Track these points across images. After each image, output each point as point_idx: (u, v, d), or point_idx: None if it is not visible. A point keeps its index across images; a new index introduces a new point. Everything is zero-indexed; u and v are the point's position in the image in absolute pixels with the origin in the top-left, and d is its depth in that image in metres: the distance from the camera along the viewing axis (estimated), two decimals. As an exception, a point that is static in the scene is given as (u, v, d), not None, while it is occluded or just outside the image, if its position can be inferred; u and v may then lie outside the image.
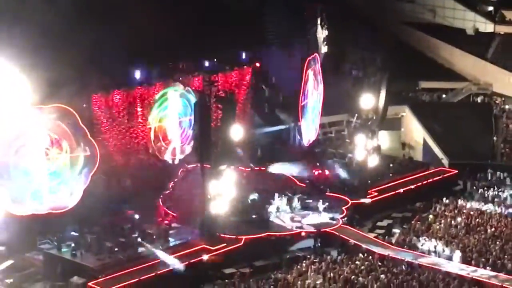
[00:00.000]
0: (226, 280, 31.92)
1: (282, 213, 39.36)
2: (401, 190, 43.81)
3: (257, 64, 45.53)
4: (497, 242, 35.62)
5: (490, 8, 57.05)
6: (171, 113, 41.37)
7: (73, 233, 35.11)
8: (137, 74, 39.70)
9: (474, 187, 45.63)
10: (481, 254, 34.15)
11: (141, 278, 30.41)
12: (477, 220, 39.81)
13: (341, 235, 37.18)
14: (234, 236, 35.65)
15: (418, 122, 51.40)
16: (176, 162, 41.88)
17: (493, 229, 38.00)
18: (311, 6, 50.83)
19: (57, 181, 35.09)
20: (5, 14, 33.61)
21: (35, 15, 33.56)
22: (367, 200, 41.00)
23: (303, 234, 37.13)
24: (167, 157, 41.56)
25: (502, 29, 55.77)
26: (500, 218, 39.46)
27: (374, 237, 37.89)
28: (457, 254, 33.97)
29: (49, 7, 34.50)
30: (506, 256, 33.76)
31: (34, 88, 33.36)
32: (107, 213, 36.76)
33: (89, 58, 35.86)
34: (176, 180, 41.51)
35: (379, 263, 33.22)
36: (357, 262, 33.15)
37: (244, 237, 35.50)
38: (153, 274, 30.95)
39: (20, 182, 33.86)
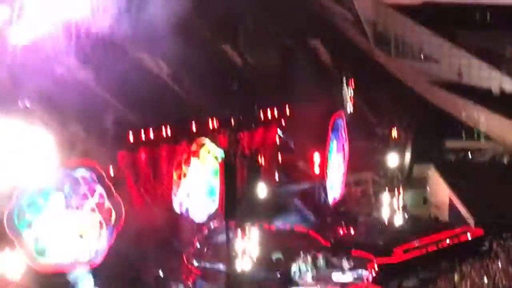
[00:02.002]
0: None
1: (306, 272, 39.14)
2: (427, 250, 43.35)
3: (282, 122, 45.94)
4: (524, 304, 35.25)
5: None
6: (198, 171, 41.57)
7: (96, 288, 35.36)
8: (164, 132, 40.02)
9: (501, 248, 45.32)
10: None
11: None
12: (504, 282, 39.50)
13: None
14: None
15: (444, 182, 51.08)
16: (201, 219, 41.97)
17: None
18: (337, 65, 51.38)
19: (82, 238, 35.05)
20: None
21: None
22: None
23: (328, 293, 37.22)
24: (193, 214, 41.66)
25: None
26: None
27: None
28: (484, 315, 33.84)
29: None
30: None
31: (59, 145, 33.58)
32: (131, 269, 36.78)
33: (114, 115, 36.37)
34: (201, 237, 41.48)
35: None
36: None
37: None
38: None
39: (47, 235, 33.78)
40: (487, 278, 40.32)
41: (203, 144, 41.36)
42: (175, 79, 39.36)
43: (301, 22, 53.40)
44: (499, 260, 43.39)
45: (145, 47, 41.32)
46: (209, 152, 41.54)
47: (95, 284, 35.26)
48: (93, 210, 35.25)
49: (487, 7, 57.64)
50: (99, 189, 35.22)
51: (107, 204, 35.65)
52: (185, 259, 39.31)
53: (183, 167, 40.75)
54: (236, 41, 48.87)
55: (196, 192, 41.48)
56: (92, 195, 35.24)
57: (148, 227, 39.69)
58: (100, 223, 35.35)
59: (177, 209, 41.03)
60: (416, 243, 43.93)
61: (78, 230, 34.96)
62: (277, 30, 50.97)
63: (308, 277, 38.78)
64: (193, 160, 41.01)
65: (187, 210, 41.23)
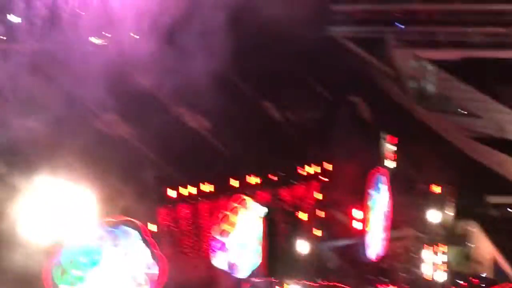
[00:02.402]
0: None
1: (347, 329, 39.23)
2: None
3: (322, 178, 46.10)
4: None
5: None
6: (240, 227, 41.84)
7: None
8: (205, 188, 40.58)
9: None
10: None
11: None
12: None
13: None
14: None
15: (487, 238, 50.75)
16: (245, 275, 42.10)
17: None
18: (377, 121, 51.72)
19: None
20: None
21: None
22: None
23: None
24: (239, 270, 41.85)
25: None
26: None
27: None
28: None
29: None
30: None
31: (101, 201, 34.30)
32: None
33: (154, 174, 36.98)
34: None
35: None
36: None
37: None
38: None
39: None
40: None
41: (244, 201, 41.67)
42: (216, 135, 39.98)
43: (342, 79, 54.26)
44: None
45: (186, 103, 42.05)
46: (250, 209, 41.86)
47: None
48: (136, 266, 36.16)
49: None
50: (142, 246, 35.97)
51: (150, 260, 36.22)
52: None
53: (225, 223, 41.12)
54: (277, 98, 49.61)
55: (242, 249, 41.65)
56: (134, 252, 36.01)
57: (190, 282, 40.37)
58: (140, 276, 36.14)
59: (220, 265, 41.17)
60: (458, 300, 44.19)
61: (124, 283, 35.74)
62: (318, 87, 51.69)
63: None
64: (234, 216, 41.31)
65: (233, 265, 41.29)
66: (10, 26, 51.48)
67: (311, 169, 45.49)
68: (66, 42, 49.45)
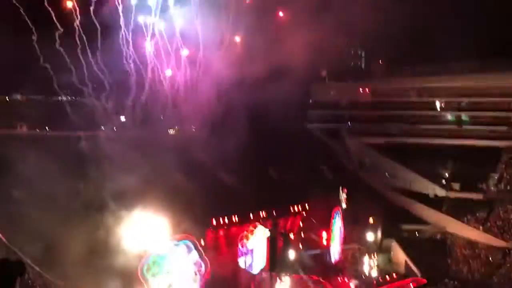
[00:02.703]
0: None
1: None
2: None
3: (304, 213, 45.67)
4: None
5: (443, 182, 56.26)
6: (255, 243, 41.39)
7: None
8: (233, 218, 40.03)
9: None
10: None
11: None
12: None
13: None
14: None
15: (401, 249, 50.72)
16: (256, 272, 41.46)
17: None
18: (336, 180, 51.20)
19: (184, 282, 34.75)
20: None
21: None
22: None
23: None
24: (253, 268, 40.94)
25: (451, 194, 54.84)
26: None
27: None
28: None
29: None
30: None
31: (171, 225, 33.89)
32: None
33: (204, 209, 36.59)
34: (255, 282, 41.09)
35: None
36: None
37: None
38: None
39: (166, 282, 33.69)
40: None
41: (257, 226, 41.03)
42: (240, 189, 39.57)
43: (316, 154, 54.48)
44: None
45: (224, 169, 41.55)
46: (259, 232, 41.34)
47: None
48: (192, 265, 35.16)
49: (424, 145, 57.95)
50: (195, 253, 35.52)
51: (200, 262, 35.84)
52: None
53: (245, 240, 41.02)
54: (277, 165, 49.27)
55: (256, 257, 40.76)
56: (192, 257, 35.36)
57: (224, 275, 38.77)
58: (195, 273, 35.46)
59: (242, 265, 40.24)
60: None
61: (185, 277, 34.82)
62: (301, 159, 51.23)
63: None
64: (251, 236, 40.90)
65: (250, 265, 40.58)
66: (121, 123, 51.89)
67: (296, 208, 45.09)
68: (154, 131, 50.49)
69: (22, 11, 35.99)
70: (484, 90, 56.55)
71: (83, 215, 32.45)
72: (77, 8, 39.93)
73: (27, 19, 36.35)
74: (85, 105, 58.01)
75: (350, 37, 57.38)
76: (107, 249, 32.14)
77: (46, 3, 36.88)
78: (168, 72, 47.11)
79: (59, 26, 38.44)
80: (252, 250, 40.64)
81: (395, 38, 55.26)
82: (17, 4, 35.66)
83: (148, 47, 44.41)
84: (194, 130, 56.90)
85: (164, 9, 44.18)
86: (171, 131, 57.06)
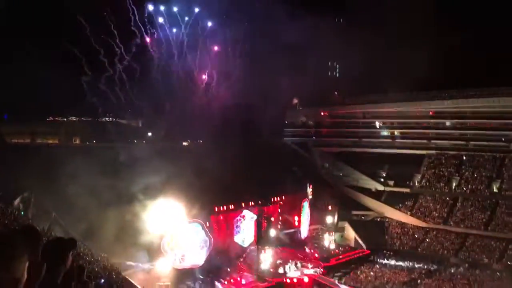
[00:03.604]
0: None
1: (291, 268, 38.64)
2: (345, 259, 42.92)
3: (281, 203, 45.03)
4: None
5: (382, 180, 56.21)
6: (245, 225, 41.10)
7: (200, 276, 34.67)
8: (230, 206, 39.65)
9: (378, 260, 44.37)
10: None
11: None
12: (379, 274, 38.70)
13: (319, 279, 36.43)
14: (270, 279, 35.24)
15: (352, 229, 50.53)
16: (247, 245, 41.08)
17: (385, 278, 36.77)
18: (306, 179, 49.96)
19: (195, 253, 35.02)
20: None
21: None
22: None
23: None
24: (245, 243, 40.69)
25: (387, 189, 54.50)
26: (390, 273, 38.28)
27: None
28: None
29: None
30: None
31: (186, 211, 33.95)
32: (214, 266, 36.18)
33: (208, 199, 36.06)
34: (246, 252, 40.90)
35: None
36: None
37: (272, 280, 35.16)
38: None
39: (181, 253, 33.94)
40: (372, 273, 39.72)
41: (247, 212, 41.25)
42: (234, 184, 38.96)
43: (290, 160, 54.17)
44: (376, 265, 42.82)
45: (226, 171, 40.50)
46: (249, 216, 41.29)
47: (199, 272, 34.80)
48: (199, 240, 35.37)
49: (368, 153, 57.34)
50: (203, 232, 35.83)
51: (206, 238, 35.91)
52: (239, 263, 38.74)
53: (238, 223, 40.76)
54: (261, 168, 48.68)
55: (246, 234, 40.90)
56: (200, 235, 35.67)
57: (223, 248, 38.98)
58: (202, 246, 35.71)
59: (237, 241, 40.23)
60: (340, 256, 43.52)
61: (195, 249, 34.91)
62: (280, 164, 50.28)
63: (292, 271, 38.35)
64: (243, 220, 40.88)
65: (243, 241, 40.63)
66: (148, 137, 51.48)
67: (276, 199, 44.83)
68: (172, 143, 50.21)
69: (83, 62, 38.72)
70: (411, 114, 57.21)
71: (118, 204, 32.26)
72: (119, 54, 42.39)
73: (85, 66, 38.88)
74: (122, 125, 59.13)
75: (314, 78, 58.99)
76: (137, 229, 31.90)
77: (101, 55, 39.84)
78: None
79: (108, 68, 41.92)
80: (244, 229, 40.92)
81: (349, 76, 60.06)
82: (79, 55, 39.13)
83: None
84: (201, 142, 57.12)
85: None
86: (185, 143, 56.95)
